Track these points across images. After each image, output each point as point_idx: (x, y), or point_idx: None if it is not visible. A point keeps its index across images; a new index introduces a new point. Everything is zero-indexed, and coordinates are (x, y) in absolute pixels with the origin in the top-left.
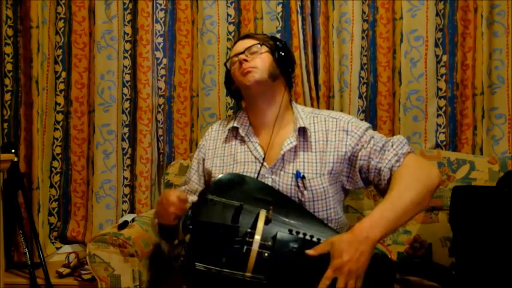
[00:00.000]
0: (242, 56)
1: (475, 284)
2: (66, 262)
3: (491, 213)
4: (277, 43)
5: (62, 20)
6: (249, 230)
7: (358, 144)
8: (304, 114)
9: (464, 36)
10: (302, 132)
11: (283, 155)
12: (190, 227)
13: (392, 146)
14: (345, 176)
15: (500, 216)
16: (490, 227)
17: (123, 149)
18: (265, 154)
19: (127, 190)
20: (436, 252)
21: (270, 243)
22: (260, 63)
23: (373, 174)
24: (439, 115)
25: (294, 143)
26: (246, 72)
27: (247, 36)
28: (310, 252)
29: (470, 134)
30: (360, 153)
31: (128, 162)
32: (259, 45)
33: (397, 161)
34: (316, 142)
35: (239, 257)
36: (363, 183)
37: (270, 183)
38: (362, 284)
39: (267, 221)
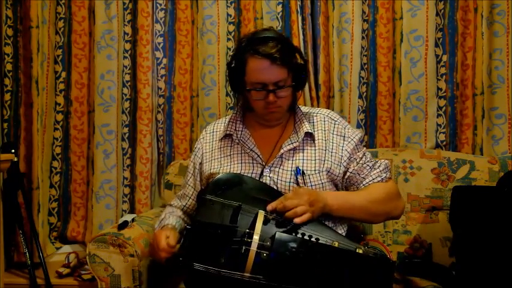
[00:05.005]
0: (272, 99)
1: (475, 284)
2: (66, 262)
3: (491, 213)
4: (298, 62)
5: (62, 20)
6: (247, 231)
7: (352, 155)
8: (304, 115)
9: (465, 36)
10: (308, 135)
11: (282, 154)
12: (189, 227)
13: (379, 167)
14: (336, 180)
15: (500, 216)
16: (490, 227)
17: (123, 149)
18: (262, 154)
19: (127, 190)
20: (436, 252)
21: (268, 243)
22: (284, 102)
23: (352, 184)
24: (439, 115)
25: (295, 145)
26: (271, 111)
27: (273, 58)
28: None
29: (470, 134)
30: (351, 165)
31: (128, 162)
32: (285, 77)
33: (380, 180)
34: (316, 140)
35: (238, 257)
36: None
37: (268, 181)
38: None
39: (266, 221)
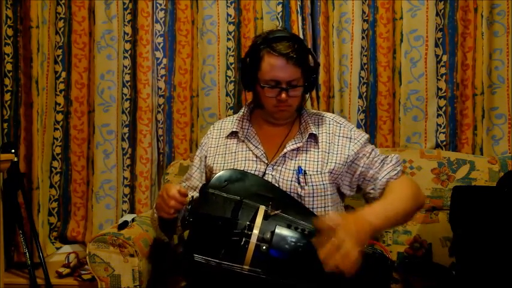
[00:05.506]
0: (284, 97)
1: (475, 284)
2: (66, 262)
3: (491, 213)
4: (310, 64)
5: (62, 20)
6: (248, 223)
7: (360, 152)
8: (309, 117)
9: (465, 36)
10: (312, 137)
11: (285, 153)
12: (191, 219)
13: (391, 161)
14: (342, 180)
15: (500, 216)
16: (490, 227)
17: (123, 149)
18: (266, 153)
19: (127, 190)
20: (436, 252)
21: (268, 236)
22: (295, 102)
23: (368, 181)
24: (439, 115)
25: (299, 145)
26: (281, 110)
27: (289, 57)
28: (318, 222)
29: (470, 134)
30: (361, 161)
31: (128, 162)
32: (299, 77)
33: (395, 174)
34: (320, 143)
35: (237, 249)
36: (356, 190)
37: (270, 179)
38: (355, 276)
39: (266, 216)
